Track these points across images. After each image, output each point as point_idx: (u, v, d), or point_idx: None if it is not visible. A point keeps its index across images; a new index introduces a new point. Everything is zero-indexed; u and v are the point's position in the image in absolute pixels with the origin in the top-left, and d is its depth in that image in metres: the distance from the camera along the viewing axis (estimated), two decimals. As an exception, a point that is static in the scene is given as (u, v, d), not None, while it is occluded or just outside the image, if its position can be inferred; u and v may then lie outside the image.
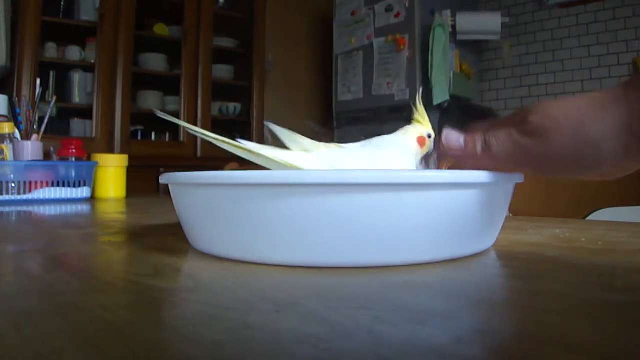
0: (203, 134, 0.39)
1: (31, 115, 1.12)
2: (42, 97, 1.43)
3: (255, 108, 2.75)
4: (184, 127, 0.40)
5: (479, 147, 0.32)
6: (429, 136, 0.44)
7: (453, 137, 0.34)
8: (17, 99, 1.23)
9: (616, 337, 0.18)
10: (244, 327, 0.19)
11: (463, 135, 0.33)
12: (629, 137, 0.27)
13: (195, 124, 2.54)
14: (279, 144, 0.40)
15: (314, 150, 0.40)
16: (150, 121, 2.59)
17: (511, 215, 0.69)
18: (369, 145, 0.43)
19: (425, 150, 0.44)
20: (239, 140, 0.39)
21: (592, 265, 0.31)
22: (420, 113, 0.44)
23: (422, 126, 0.44)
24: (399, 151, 0.42)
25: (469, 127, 0.34)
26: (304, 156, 0.39)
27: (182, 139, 2.51)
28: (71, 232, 0.53)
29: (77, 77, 2.31)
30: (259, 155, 0.38)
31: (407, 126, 0.44)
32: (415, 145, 0.43)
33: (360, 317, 0.20)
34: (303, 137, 0.41)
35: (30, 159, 1.08)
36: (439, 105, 2.41)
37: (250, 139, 2.91)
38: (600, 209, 0.75)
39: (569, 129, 0.28)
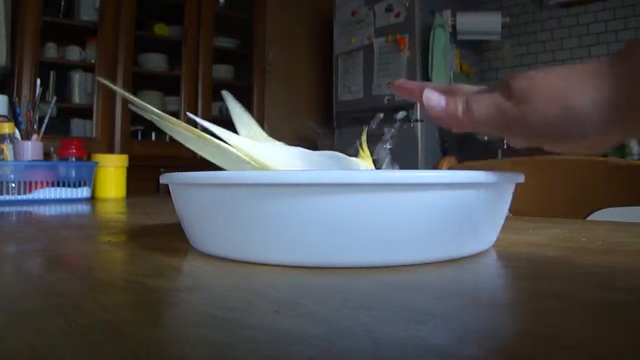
0: (146, 108, 0.37)
1: (31, 115, 1.12)
2: (42, 97, 1.43)
3: (255, 108, 2.75)
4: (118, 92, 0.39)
5: (460, 109, 0.32)
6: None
7: (434, 97, 0.34)
8: (17, 99, 1.23)
9: (616, 337, 0.18)
10: (244, 327, 0.19)
11: (444, 96, 0.33)
12: (611, 109, 0.27)
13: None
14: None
15: (258, 141, 0.39)
16: (150, 121, 2.59)
17: (511, 215, 0.69)
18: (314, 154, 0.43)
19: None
20: (188, 114, 0.37)
21: (592, 265, 0.31)
22: (365, 151, 0.45)
23: (365, 162, 0.44)
24: (336, 156, 0.42)
25: (451, 92, 0.34)
26: (249, 143, 0.38)
27: (182, 139, 2.51)
28: (71, 232, 0.53)
29: (77, 77, 2.31)
30: (203, 137, 0.36)
31: (353, 158, 0.44)
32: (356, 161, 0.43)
33: (360, 317, 0.20)
34: (252, 119, 0.40)
35: (30, 159, 1.08)
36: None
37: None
38: (600, 209, 0.75)
39: (551, 95, 0.28)
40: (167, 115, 0.36)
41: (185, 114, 2.46)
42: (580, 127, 0.28)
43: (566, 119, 0.28)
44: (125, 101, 2.30)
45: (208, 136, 0.36)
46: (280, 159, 0.38)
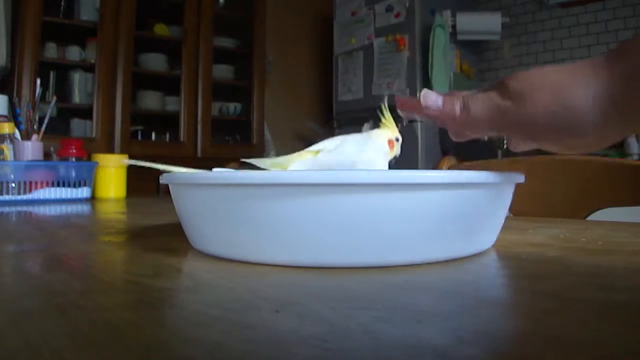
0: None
1: (31, 115, 1.12)
2: (42, 97, 1.43)
3: (255, 108, 2.75)
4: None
5: (457, 108, 0.32)
6: (397, 139, 0.47)
7: (431, 97, 0.34)
8: (17, 99, 1.23)
9: (616, 337, 0.18)
10: (244, 327, 0.19)
11: (441, 95, 0.33)
12: (608, 105, 0.27)
13: (195, 124, 2.54)
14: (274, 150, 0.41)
15: (289, 164, 0.40)
16: (150, 121, 2.59)
17: (511, 215, 0.69)
18: (344, 144, 0.44)
19: (394, 153, 0.47)
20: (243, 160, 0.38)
21: (592, 265, 0.31)
22: (388, 118, 0.47)
23: (390, 130, 0.47)
24: (372, 151, 0.44)
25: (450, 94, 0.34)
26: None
27: (182, 139, 2.51)
28: (71, 232, 0.53)
29: (77, 77, 2.31)
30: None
31: (377, 129, 0.47)
32: (387, 147, 0.46)
33: (360, 317, 0.20)
34: (277, 156, 0.42)
35: (30, 159, 1.08)
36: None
37: (250, 139, 2.90)
38: (600, 209, 0.75)
39: (548, 92, 0.28)
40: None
41: (185, 114, 2.47)
42: (578, 125, 0.28)
43: (563, 117, 0.28)
44: (125, 101, 2.30)
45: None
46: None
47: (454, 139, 0.35)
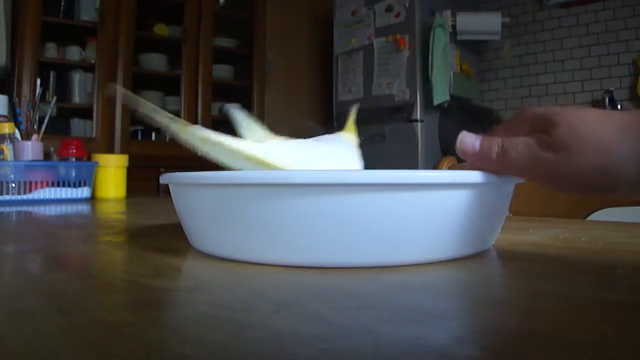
0: (157, 110, 0.35)
1: (31, 115, 1.12)
2: (42, 97, 1.43)
3: (255, 108, 2.75)
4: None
5: (494, 152, 0.31)
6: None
7: (469, 140, 0.32)
8: (17, 99, 1.23)
9: (616, 337, 0.18)
10: (244, 327, 0.19)
11: (479, 138, 0.32)
12: None
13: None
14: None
15: (265, 141, 0.40)
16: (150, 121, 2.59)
17: (511, 215, 0.69)
18: (319, 140, 0.45)
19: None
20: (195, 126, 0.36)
21: (592, 265, 0.31)
22: (351, 126, 0.49)
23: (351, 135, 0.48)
24: (344, 145, 0.45)
25: (487, 132, 0.33)
26: (256, 145, 0.38)
27: (182, 139, 2.51)
28: (71, 232, 0.53)
29: (77, 77, 2.31)
30: (213, 142, 0.36)
31: (340, 132, 0.48)
32: (355, 145, 0.47)
33: (360, 317, 0.20)
34: (259, 126, 0.41)
35: (30, 159, 1.08)
36: (439, 105, 2.41)
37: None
38: (600, 209, 0.75)
39: (592, 149, 0.27)
40: (180, 119, 0.36)
41: (185, 114, 2.47)
42: (615, 182, 0.27)
43: (603, 176, 0.27)
44: (126, 101, 2.30)
45: (219, 140, 0.35)
46: (282, 156, 0.39)
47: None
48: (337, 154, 0.43)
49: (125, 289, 0.26)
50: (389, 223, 0.28)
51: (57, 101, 1.39)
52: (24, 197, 1.01)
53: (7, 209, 0.85)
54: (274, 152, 0.37)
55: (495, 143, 0.31)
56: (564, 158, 0.28)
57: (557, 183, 0.30)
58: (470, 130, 0.33)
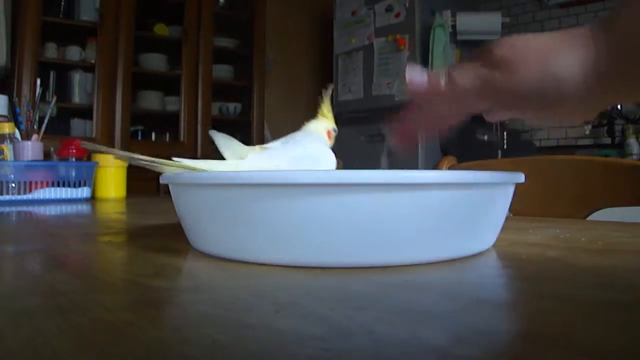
0: (133, 158, 0.37)
1: (31, 115, 1.12)
2: (42, 97, 1.43)
3: (255, 108, 2.75)
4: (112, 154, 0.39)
5: (442, 81, 0.32)
6: (334, 130, 0.50)
7: (416, 73, 0.33)
8: (17, 99, 1.23)
9: (616, 337, 0.18)
10: (244, 327, 0.19)
11: (426, 71, 0.33)
12: (593, 75, 0.27)
13: (196, 124, 2.54)
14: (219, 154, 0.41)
15: (245, 156, 0.41)
16: (150, 121, 2.59)
17: (511, 215, 0.69)
18: (290, 142, 0.46)
19: (332, 142, 0.50)
20: (173, 158, 0.37)
21: (592, 265, 0.31)
22: (327, 109, 0.50)
23: (327, 121, 0.50)
24: (317, 143, 0.47)
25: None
26: (239, 164, 0.39)
27: (182, 139, 2.51)
28: (71, 232, 0.53)
29: (77, 77, 2.31)
30: (194, 169, 0.37)
31: (314, 120, 0.50)
32: (326, 137, 0.49)
33: (360, 317, 0.20)
34: (237, 142, 0.41)
35: (30, 159, 1.08)
36: (439, 105, 2.41)
37: (250, 139, 2.89)
38: (600, 209, 0.75)
39: (534, 61, 0.28)
40: (159, 160, 0.37)
41: (185, 114, 2.47)
42: (563, 92, 0.28)
43: (550, 85, 0.28)
44: (126, 101, 2.30)
45: (200, 167, 0.37)
46: (267, 164, 0.40)
47: (439, 125, 0.34)
48: (307, 155, 0.44)
49: (125, 289, 0.26)
50: (388, 223, 0.28)
51: (57, 101, 1.39)
52: (24, 197, 1.01)
53: (7, 209, 0.85)
54: (245, 167, 0.39)
55: (442, 72, 0.32)
56: (507, 72, 0.29)
57: (507, 100, 0.30)
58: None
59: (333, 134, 0.49)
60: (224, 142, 0.40)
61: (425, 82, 0.33)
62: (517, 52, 0.29)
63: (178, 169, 0.36)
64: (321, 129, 0.49)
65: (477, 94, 0.31)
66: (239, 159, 0.40)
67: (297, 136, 0.47)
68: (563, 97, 0.28)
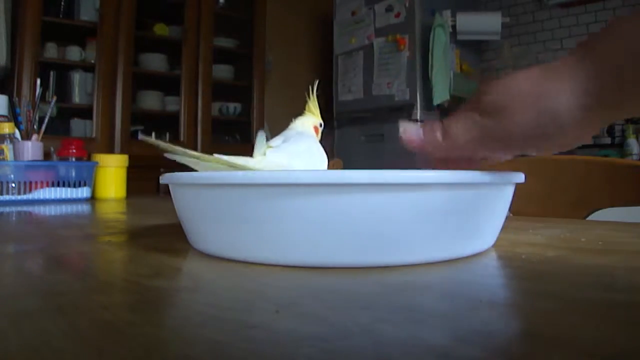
0: (186, 153, 0.35)
1: (31, 115, 1.12)
2: (42, 97, 1.43)
3: (255, 108, 2.75)
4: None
5: (438, 135, 0.32)
6: (320, 125, 0.51)
7: (411, 129, 0.33)
8: (17, 99, 1.23)
9: (616, 337, 0.18)
10: (244, 327, 0.19)
11: (419, 125, 0.33)
12: (586, 99, 0.27)
13: (195, 124, 2.54)
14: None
15: (257, 157, 0.40)
16: (150, 121, 2.59)
17: (511, 215, 0.69)
18: (291, 139, 0.46)
19: (319, 137, 0.50)
20: (216, 155, 0.35)
21: (592, 265, 0.31)
22: (313, 104, 0.51)
23: (313, 116, 0.51)
24: (311, 141, 0.47)
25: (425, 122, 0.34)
26: (252, 160, 0.39)
27: (182, 139, 2.51)
28: (71, 232, 0.53)
29: (77, 77, 2.31)
30: (209, 160, 0.36)
31: (301, 117, 0.51)
32: (313, 132, 0.49)
33: (360, 317, 0.20)
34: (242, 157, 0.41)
35: (30, 159, 1.08)
36: (439, 105, 2.41)
37: (250, 139, 2.90)
38: (600, 209, 0.75)
39: (528, 102, 0.28)
40: (205, 155, 0.35)
41: (185, 114, 2.47)
42: (560, 125, 0.28)
43: (547, 122, 0.28)
44: (126, 101, 2.30)
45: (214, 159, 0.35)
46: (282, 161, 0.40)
47: (443, 167, 0.34)
48: (300, 152, 0.44)
49: (125, 289, 0.26)
50: (389, 223, 0.28)
51: (57, 101, 1.39)
52: (24, 197, 1.01)
53: (7, 209, 0.85)
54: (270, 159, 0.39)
55: (437, 127, 0.32)
56: (503, 118, 0.29)
57: (506, 144, 0.30)
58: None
59: (320, 129, 0.50)
60: (260, 139, 0.40)
61: (420, 136, 0.33)
62: (509, 95, 0.29)
63: (220, 166, 0.36)
64: (308, 124, 0.49)
65: (476, 144, 0.31)
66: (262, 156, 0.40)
67: (289, 133, 0.47)
68: (562, 129, 0.28)
